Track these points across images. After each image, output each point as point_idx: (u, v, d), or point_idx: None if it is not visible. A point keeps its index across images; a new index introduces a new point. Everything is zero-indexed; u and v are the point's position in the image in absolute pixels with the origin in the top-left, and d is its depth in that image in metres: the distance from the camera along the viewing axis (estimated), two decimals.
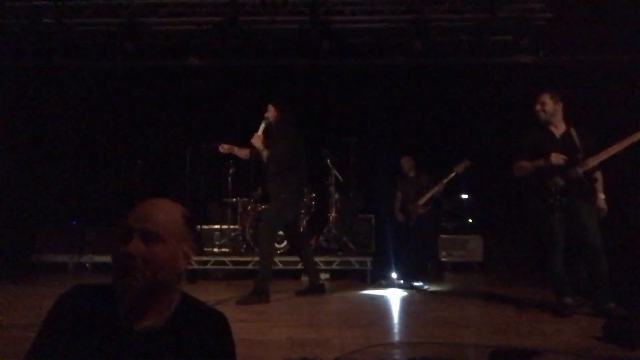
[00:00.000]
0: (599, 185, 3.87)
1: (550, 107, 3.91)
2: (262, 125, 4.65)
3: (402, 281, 5.44)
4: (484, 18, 6.42)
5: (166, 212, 1.28)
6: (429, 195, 5.84)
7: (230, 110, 7.30)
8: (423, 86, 7.39)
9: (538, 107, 3.95)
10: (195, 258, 5.77)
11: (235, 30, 6.29)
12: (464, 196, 7.27)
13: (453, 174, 5.73)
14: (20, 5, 6.38)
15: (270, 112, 4.69)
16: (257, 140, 4.58)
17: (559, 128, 3.94)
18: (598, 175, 3.87)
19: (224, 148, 4.88)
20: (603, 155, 3.72)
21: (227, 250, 6.46)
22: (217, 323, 1.32)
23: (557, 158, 3.76)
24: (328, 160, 6.50)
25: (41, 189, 7.42)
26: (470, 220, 7.21)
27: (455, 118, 7.40)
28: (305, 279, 5.95)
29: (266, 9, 6.46)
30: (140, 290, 1.19)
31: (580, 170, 3.75)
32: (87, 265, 6.58)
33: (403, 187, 6.19)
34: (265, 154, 4.58)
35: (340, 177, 6.59)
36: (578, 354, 2.80)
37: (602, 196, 3.84)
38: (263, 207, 6.21)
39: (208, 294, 4.87)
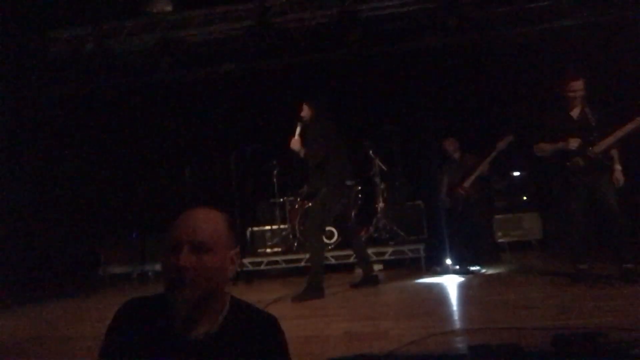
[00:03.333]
0: (615, 158, 4.07)
1: (582, 93, 4.08)
2: (299, 128, 4.68)
3: (457, 267, 5.32)
4: None
5: (211, 222, 1.31)
6: (474, 176, 5.68)
7: (269, 110, 7.40)
8: (460, 65, 7.16)
9: (572, 93, 4.08)
10: (249, 260, 5.93)
11: (265, 32, 6.35)
12: (516, 173, 7.02)
13: (496, 152, 5.56)
14: (61, 34, 6.72)
15: (305, 112, 4.72)
16: (295, 144, 4.64)
17: (576, 109, 4.14)
18: (614, 152, 4.07)
19: (296, 144, 4.69)
20: (619, 134, 3.94)
21: (279, 249, 6.56)
22: (268, 325, 1.35)
23: (574, 142, 4.00)
24: (370, 151, 6.45)
25: (101, 203, 7.81)
26: (524, 198, 6.95)
27: (496, 94, 7.13)
28: (359, 271, 5.95)
29: (293, 7, 6.47)
30: (194, 300, 1.23)
31: (597, 150, 3.98)
32: (150, 273, 6.88)
33: (449, 170, 6.04)
34: (302, 152, 4.62)
35: (383, 167, 6.52)
36: None
37: (618, 167, 4.05)
38: (310, 204, 6.25)
39: (264, 294, 4.97)
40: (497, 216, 6.61)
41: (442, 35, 6.62)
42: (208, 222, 1.30)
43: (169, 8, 6.27)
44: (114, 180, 7.92)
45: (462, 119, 7.09)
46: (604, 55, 6.03)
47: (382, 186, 6.53)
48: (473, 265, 5.30)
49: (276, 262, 6.10)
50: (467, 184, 5.72)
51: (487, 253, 5.92)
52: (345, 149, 4.77)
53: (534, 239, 6.60)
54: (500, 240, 6.61)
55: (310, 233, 4.69)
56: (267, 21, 6.34)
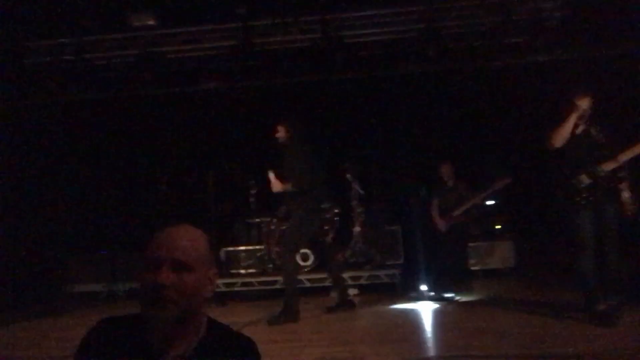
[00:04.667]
0: (625, 183, 3.75)
1: (589, 111, 3.79)
2: (271, 174, 4.61)
3: (432, 293, 5.33)
4: (497, 21, 6.35)
5: (192, 240, 1.28)
6: (466, 206, 5.75)
7: (249, 131, 7.38)
8: (439, 93, 7.34)
9: (581, 113, 3.77)
10: (223, 281, 5.82)
11: (248, 52, 6.37)
12: (490, 202, 7.14)
13: (491, 190, 5.65)
14: (41, 45, 6.61)
15: (280, 133, 4.67)
16: (276, 186, 4.58)
17: (580, 127, 3.85)
18: (625, 174, 3.75)
19: (277, 186, 4.65)
20: (629, 154, 3.63)
21: (254, 270, 6.46)
22: (245, 348, 1.32)
23: (584, 103, 3.70)
24: (348, 175, 6.48)
25: (70, 218, 7.58)
26: (498, 226, 7.05)
27: (473, 123, 7.32)
28: (334, 294, 5.90)
29: (277, 29, 6.53)
30: (172, 320, 1.19)
31: (606, 168, 3.68)
32: (120, 292, 6.66)
33: (440, 195, 6.06)
34: (288, 187, 4.55)
35: (361, 191, 6.54)
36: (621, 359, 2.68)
37: (625, 194, 3.74)
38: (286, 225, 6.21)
39: (238, 316, 4.87)
40: (471, 244, 6.66)
41: (422, 64, 6.77)
42: (189, 239, 1.27)
43: (151, 22, 6.23)
44: (84, 194, 7.72)
45: (441, 146, 7.22)
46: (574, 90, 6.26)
47: (360, 210, 6.54)
48: (448, 292, 5.31)
49: (251, 284, 6.00)
50: (457, 212, 5.77)
51: (461, 280, 5.95)
52: (322, 171, 4.75)
53: (507, 267, 6.67)
54: (474, 268, 6.65)
55: (285, 255, 4.63)
56: (251, 42, 6.37)
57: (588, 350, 2.92)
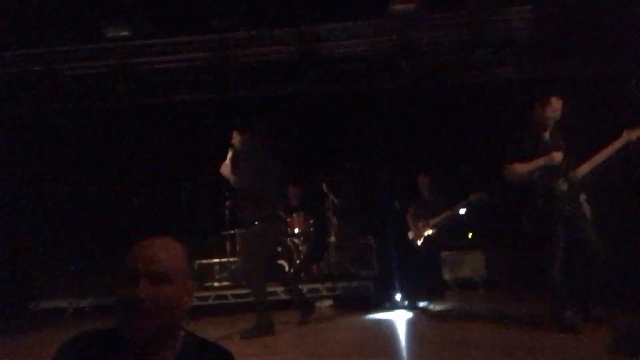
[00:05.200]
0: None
1: (559, 115, 3.81)
2: (230, 153, 4.56)
3: (406, 303, 5.38)
4: (467, 36, 6.54)
5: (170, 252, 1.27)
6: (440, 218, 5.85)
7: (224, 143, 7.32)
8: (413, 106, 7.47)
9: (550, 115, 3.79)
10: (196, 294, 5.73)
11: (224, 64, 6.37)
12: (462, 211, 7.27)
13: (466, 203, 5.78)
14: (10, 54, 6.45)
15: (236, 139, 4.61)
16: (225, 169, 4.52)
17: (547, 132, 3.88)
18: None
19: (225, 169, 4.58)
20: (605, 154, 3.69)
21: (228, 283, 6.38)
22: None
23: (558, 157, 3.63)
24: (324, 186, 6.51)
25: (36, 233, 7.35)
26: (470, 236, 7.18)
27: (447, 136, 7.47)
28: (318, 305, 5.88)
29: (253, 41, 6.55)
30: (150, 333, 1.18)
31: (582, 172, 3.69)
32: (87, 309, 6.46)
33: (416, 206, 6.15)
34: (232, 179, 4.51)
35: (336, 202, 6.58)
36: None
37: (584, 196, 3.78)
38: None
39: (212, 330, 4.79)
40: (443, 253, 6.76)
41: (397, 78, 6.89)
42: (167, 252, 1.27)
43: (126, 33, 6.17)
44: (53, 208, 7.51)
45: (416, 158, 7.34)
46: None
47: (335, 221, 6.57)
48: (421, 302, 5.38)
49: (225, 297, 5.92)
50: (432, 222, 5.87)
51: (434, 290, 6.04)
52: (279, 179, 4.68)
53: (478, 277, 6.78)
54: (446, 278, 6.74)
55: (251, 270, 4.49)
56: (226, 54, 6.38)
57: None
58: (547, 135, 3.86)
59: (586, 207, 3.76)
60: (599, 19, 5.96)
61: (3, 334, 5.37)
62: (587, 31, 6.13)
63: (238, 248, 6.22)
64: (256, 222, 4.46)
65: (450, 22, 6.54)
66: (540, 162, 3.69)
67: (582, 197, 3.78)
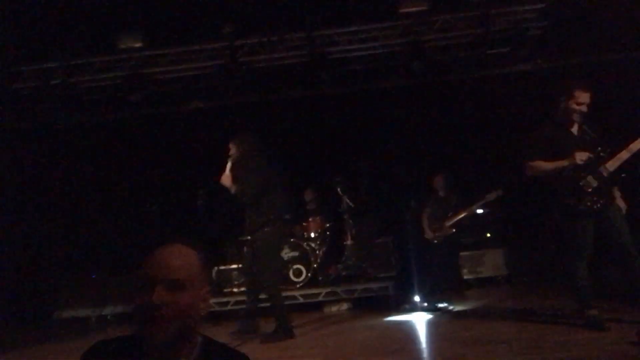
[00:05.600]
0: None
1: (587, 109, 3.60)
2: (229, 164, 4.62)
3: (425, 304, 5.33)
4: (478, 33, 6.49)
5: (185, 259, 1.29)
6: (458, 218, 5.80)
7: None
8: (425, 105, 7.43)
9: (578, 107, 3.59)
10: (215, 300, 5.78)
11: (235, 71, 6.42)
12: (480, 210, 7.20)
13: (484, 202, 5.72)
14: (28, 69, 6.61)
15: (232, 150, 4.67)
16: (225, 179, 4.57)
17: (575, 126, 3.69)
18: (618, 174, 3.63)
19: (226, 180, 4.63)
20: (625, 154, 3.49)
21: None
22: None
23: (582, 156, 3.47)
24: (339, 188, 6.50)
25: (59, 244, 7.49)
26: (489, 235, 7.10)
27: (462, 134, 7.41)
28: (328, 310, 5.88)
29: (263, 47, 6.60)
30: (167, 340, 1.19)
31: (611, 168, 3.51)
32: (109, 317, 6.56)
33: (432, 205, 6.11)
34: (233, 189, 4.55)
35: (351, 204, 6.56)
36: None
37: (619, 193, 3.65)
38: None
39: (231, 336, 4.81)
40: (462, 253, 6.70)
41: (408, 77, 6.87)
42: (183, 259, 1.28)
43: (139, 44, 6.27)
44: (73, 218, 7.65)
45: (430, 157, 7.29)
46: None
47: (351, 223, 6.55)
48: (441, 302, 5.32)
49: (243, 302, 5.94)
50: (449, 223, 5.82)
51: (454, 290, 5.98)
52: (280, 184, 4.71)
53: (499, 275, 6.70)
54: (466, 277, 6.69)
55: (266, 277, 4.52)
56: (237, 60, 6.43)
57: (582, 355, 2.94)
58: (575, 130, 3.69)
59: (621, 203, 3.61)
60: (610, 11, 5.86)
61: (27, 343, 5.48)
62: (599, 23, 6.04)
63: (246, 255, 6.11)
64: (265, 229, 4.49)
65: (460, 20, 6.51)
66: (563, 163, 3.56)
67: (617, 192, 3.64)
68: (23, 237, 7.14)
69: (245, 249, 4.73)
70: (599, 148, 3.56)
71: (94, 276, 6.99)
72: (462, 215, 5.80)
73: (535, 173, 3.74)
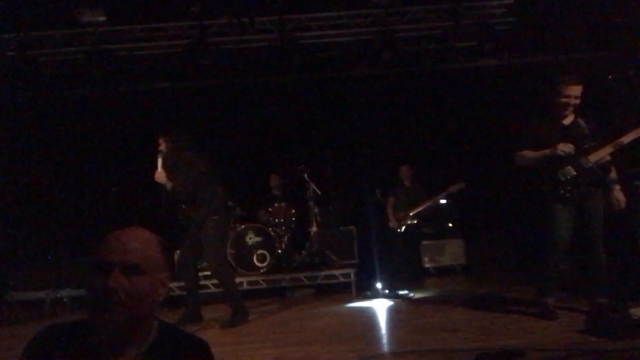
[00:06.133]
0: (613, 175, 3.66)
1: (578, 101, 3.63)
2: (160, 160, 4.55)
3: (387, 291, 5.44)
4: (448, 26, 6.57)
5: (144, 242, 1.26)
6: (420, 208, 5.91)
7: (203, 131, 7.25)
8: (393, 95, 7.49)
9: (567, 100, 3.62)
10: (176, 284, 5.70)
11: (203, 52, 6.28)
12: (442, 201, 7.37)
13: (446, 194, 5.84)
14: None
15: (162, 145, 4.60)
16: (160, 176, 4.50)
17: (569, 117, 3.73)
18: (612, 169, 3.66)
19: (161, 177, 4.54)
20: (609, 148, 3.53)
21: (208, 273, 6.35)
22: (198, 350, 1.31)
23: (564, 147, 3.54)
24: (305, 175, 6.50)
25: (12, 224, 7.20)
26: (449, 225, 7.28)
27: (426, 124, 7.53)
28: (292, 294, 5.91)
29: (234, 28, 6.47)
30: (122, 324, 1.17)
31: (592, 160, 3.55)
32: (65, 300, 6.38)
33: (397, 195, 6.21)
34: (169, 186, 4.49)
35: (318, 191, 6.58)
36: (565, 350, 2.84)
37: (617, 187, 3.65)
38: (243, 226, 6.16)
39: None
40: (424, 242, 6.85)
41: (377, 67, 6.90)
42: (140, 242, 1.25)
43: (102, 18, 6.02)
44: (28, 197, 7.35)
45: (395, 147, 7.38)
46: (521, 95, 6.56)
47: (316, 210, 6.57)
48: (402, 290, 5.44)
49: (205, 286, 5.89)
50: (412, 212, 5.92)
51: (415, 278, 6.12)
52: (216, 175, 4.68)
53: (458, 265, 6.90)
54: (427, 265, 6.84)
55: (217, 265, 4.53)
56: (206, 41, 6.29)
57: (530, 341, 3.07)
58: (567, 121, 3.72)
59: (620, 196, 3.62)
60: (580, 6, 6.02)
61: None
62: (566, 19, 6.20)
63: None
64: (214, 217, 4.46)
65: (430, 12, 6.57)
66: (545, 152, 3.62)
67: (615, 186, 3.63)
68: None
69: (185, 240, 4.64)
70: (589, 142, 3.59)
71: (49, 257, 6.76)
72: (426, 205, 5.92)
73: (523, 163, 3.78)
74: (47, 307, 6.29)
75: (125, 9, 6.17)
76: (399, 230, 6.02)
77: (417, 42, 6.92)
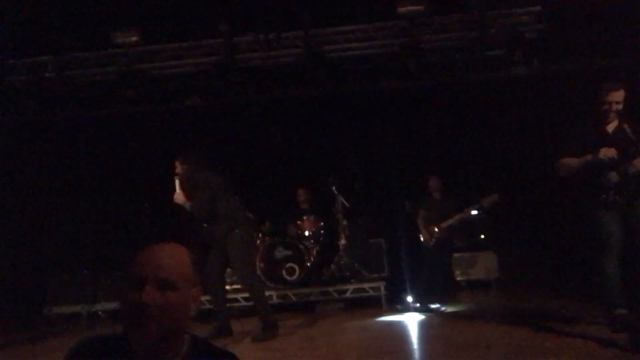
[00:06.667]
0: None
1: (621, 106, 3.58)
2: (177, 182, 4.64)
3: (418, 304, 5.34)
4: (475, 35, 6.49)
5: (176, 257, 1.27)
6: (453, 220, 5.80)
7: (234, 146, 7.37)
8: (421, 107, 7.44)
9: (609, 106, 3.59)
10: (207, 298, 5.75)
11: (232, 69, 6.40)
12: (474, 212, 7.22)
13: (478, 206, 5.73)
14: (22, 62, 6.55)
15: (178, 168, 4.70)
16: (179, 197, 4.58)
17: (612, 124, 3.66)
18: None
19: (180, 198, 4.63)
20: None
21: (238, 286, 6.39)
22: None
23: (607, 152, 3.46)
24: (333, 188, 6.50)
25: (50, 239, 7.42)
26: (482, 237, 7.13)
27: (456, 135, 7.43)
28: (320, 309, 5.88)
29: (261, 45, 6.58)
30: (156, 339, 1.18)
31: (638, 166, 3.45)
32: (101, 313, 6.52)
33: (426, 207, 6.11)
34: (189, 206, 4.57)
35: (347, 204, 6.56)
36: None
37: None
38: (272, 240, 6.18)
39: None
40: (455, 255, 6.72)
41: (404, 78, 6.87)
42: (173, 257, 1.26)
43: (135, 39, 6.22)
44: (64, 213, 7.57)
45: (425, 159, 7.30)
46: (554, 103, 6.41)
47: (345, 223, 6.55)
48: (433, 303, 5.33)
49: (235, 300, 5.93)
50: (444, 225, 5.82)
51: (447, 291, 5.99)
52: (231, 191, 4.78)
53: (491, 278, 6.73)
54: (458, 279, 6.70)
55: (247, 277, 4.60)
56: (234, 58, 6.41)
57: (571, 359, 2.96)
58: (610, 128, 3.65)
59: None
60: (608, 14, 5.88)
61: (18, 340, 5.42)
62: (596, 27, 6.06)
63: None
64: (236, 231, 4.54)
65: (458, 22, 6.51)
66: (587, 158, 3.57)
67: None
68: (14, 232, 7.07)
69: (211, 255, 4.69)
70: (634, 148, 3.51)
71: (85, 272, 6.93)
72: (458, 217, 5.80)
73: (565, 171, 3.74)
74: (84, 321, 6.44)
75: (156, 29, 6.36)
76: (429, 243, 5.91)
77: (445, 52, 6.86)
